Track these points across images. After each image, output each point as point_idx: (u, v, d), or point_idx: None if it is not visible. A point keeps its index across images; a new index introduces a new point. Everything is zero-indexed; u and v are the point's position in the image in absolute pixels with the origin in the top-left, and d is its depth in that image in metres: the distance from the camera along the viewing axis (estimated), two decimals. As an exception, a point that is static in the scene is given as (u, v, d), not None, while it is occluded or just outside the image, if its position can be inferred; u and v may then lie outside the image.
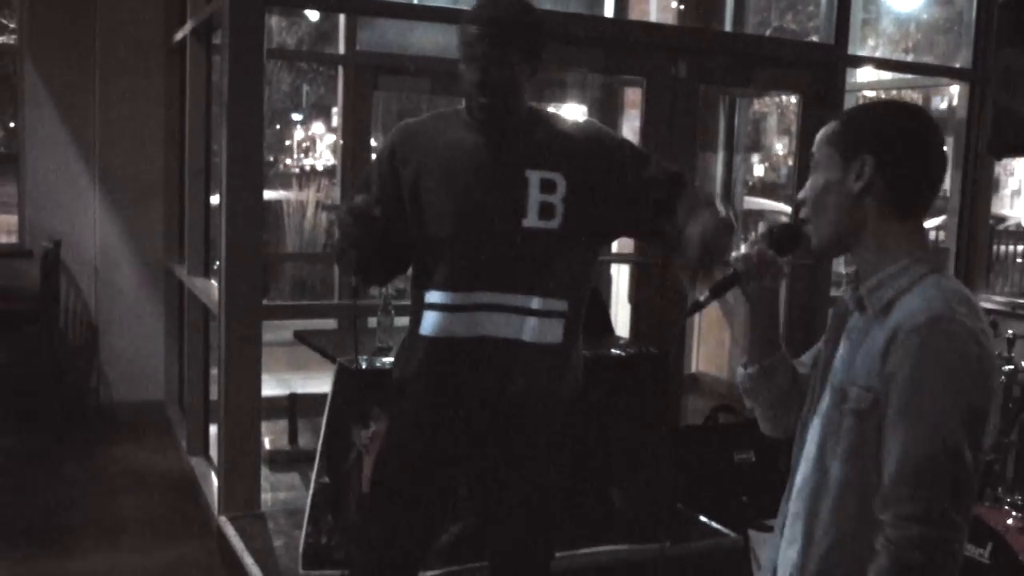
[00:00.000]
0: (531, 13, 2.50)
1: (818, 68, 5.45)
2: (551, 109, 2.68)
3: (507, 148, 2.46)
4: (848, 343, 1.85)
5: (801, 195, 1.88)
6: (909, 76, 7.16)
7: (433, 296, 2.46)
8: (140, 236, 6.31)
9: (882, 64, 6.99)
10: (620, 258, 7.25)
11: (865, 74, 6.78)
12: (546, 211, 2.42)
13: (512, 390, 2.45)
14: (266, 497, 4.40)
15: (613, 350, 4.18)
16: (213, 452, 4.99)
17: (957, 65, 6.06)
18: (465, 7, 4.81)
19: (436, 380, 2.52)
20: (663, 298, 5.10)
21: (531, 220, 2.41)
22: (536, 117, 2.52)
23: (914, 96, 20.41)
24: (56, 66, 6.20)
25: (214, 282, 4.99)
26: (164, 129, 6.19)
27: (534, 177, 2.42)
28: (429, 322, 2.47)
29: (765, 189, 17.80)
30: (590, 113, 7.48)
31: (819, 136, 1.86)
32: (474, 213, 2.43)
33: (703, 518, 4.23)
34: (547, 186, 2.42)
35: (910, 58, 15.73)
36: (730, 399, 6.53)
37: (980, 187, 5.99)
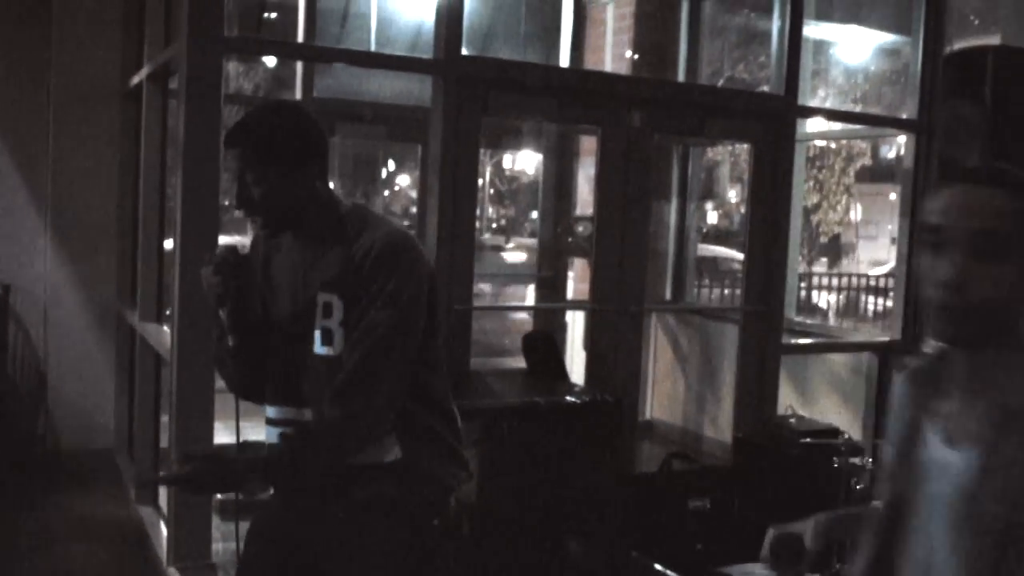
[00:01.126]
0: (273, 122, 2.27)
1: (769, 118, 5.56)
2: (371, 213, 2.37)
3: (304, 266, 2.31)
4: (981, 447, 1.52)
5: (964, 278, 1.50)
6: (858, 126, 7.31)
7: (267, 411, 2.40)
8: (91, 281, 6.24)
9: (831, 115, 7.14)
10: (574, 305, 7.30)
11: (815, 124, 6.91)
12: (327, 337, 2.25)
13: (333, 510, 2.33)
14: (216, 547, 4.33)
15: (568, 397, 4.19)
16: (163, 501, 4.91)
17: (904, 116, 6.20)
18: (423, 55, 4.88)
19: (276, 497, 2.46)
20: (618, 345, 5.13)
21: (317, 347, 2.26)
22: (339, 229, 2.28)
23: (863, 146, 20.82)
24: (9, 108, 6.15)
25: (166, 328, 4.94)
26: (118, 173, 6.15)
27: (321, 300, 2.25)
28: (265, 436, 2.41)
29: (719, 236, 18.01)
30: (546, 161, 7.54)
31: (992, 211, 1.50)
32: (277, 333, 2.35)
33: (658, 566, 4.22)
34: (327, 310, 2.24)
35: (858, 108, 16.04)
36: (684, 446, 6.56)
37: (927, 236, 6.08)
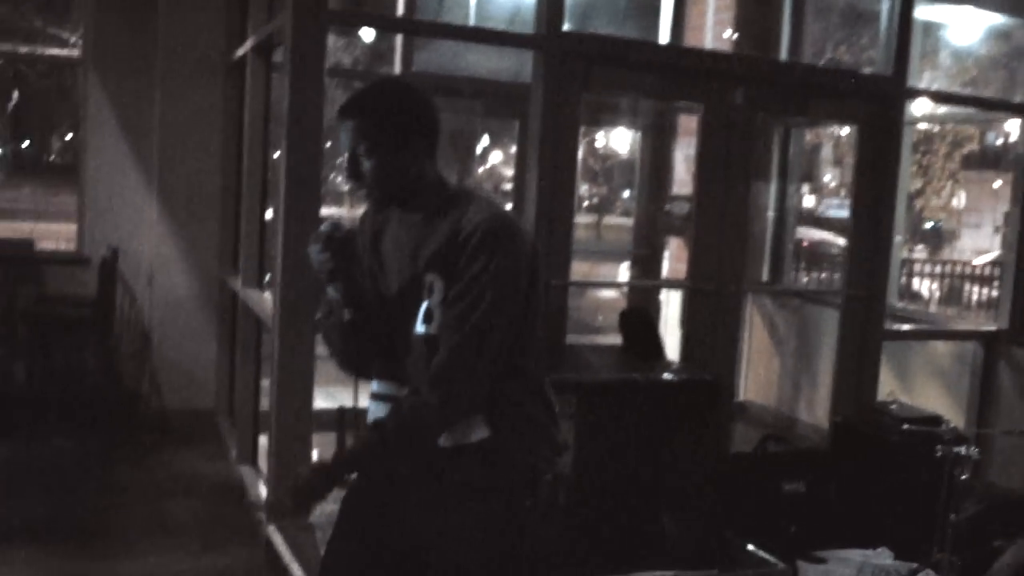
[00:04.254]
0: (389, 96, 2.30)
1: (876, 100, 5.42)
2: (478, 195, 2.34)
3: (412, 244, 2.31)
4: None
5: None
6: (966, 110, 7.09)
7: (372, 385, 2.41)
8: (195, 247, 6.40)
9: (942, 97, 6.92)
10: (672, 284, 7.24)
11: (920, 107, 6.73)
12: (428, 316, 2.26)
13: (422, 494, 2.35)
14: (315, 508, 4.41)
15: (665, 375, 4.17)
16: (262, 462, 5.03)
17: (1017, 100, 6.00)
18: (523, 30, 4.87)
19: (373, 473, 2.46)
20: (716, 325, 5.07)
21: (417, 325, 2.26)
22: (444, 208, 2.29)
23: (970, 131, 20.21)
24: (118, 79, 6.32)
25: (267, 295, 5.05)
26: (222, 143, 6.28)
27: (427, 279, 2.25)
28: (369, 410, 2.41)
29: (816, 219, 17.70)
30: (643, 139, 7.48)
31: None
32: (385, 310, 2.36)
33: (751, 547, 4.19)
34: (430, 289, 2.25)
35: (967, 92, 15.57)
36: (778, 429, 6.48)
37: (1039, 222, 5.89)
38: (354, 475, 2.29)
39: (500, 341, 2.22)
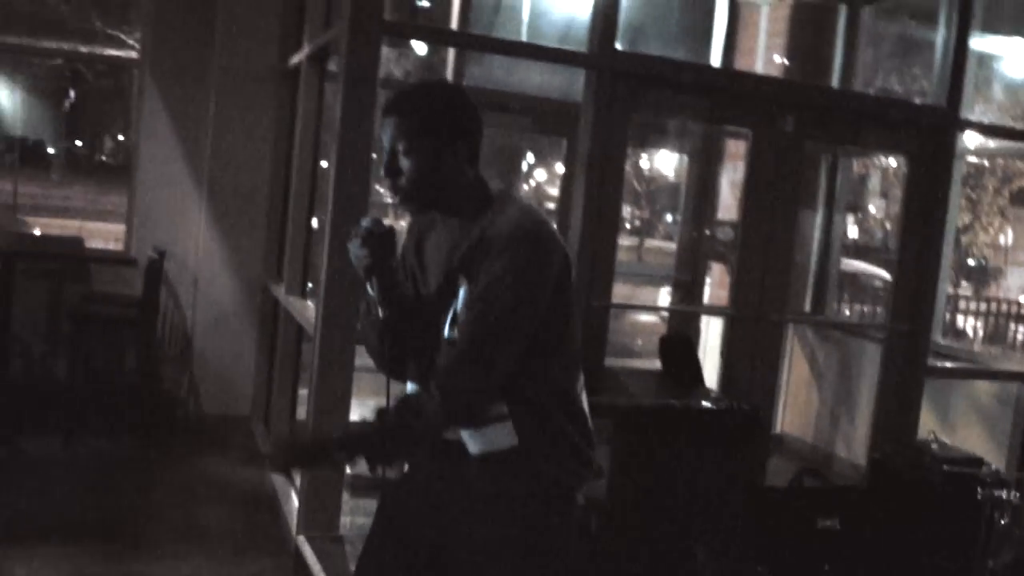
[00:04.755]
0: (433, 97, 2.29)
1: (928, 130, 5.36)
2: (515, 199, 2.31)
3: (449, 247, 2.30)
4: None
5: None
6: (1019, 144, 6.99)
7: (408, 388, 2.38)
8: (241, 253, 6.45)
9: (995, 131, 6.83)
10: (713, 310, 7.19)
11: (970, 139, 6.65)
12: (454, 319, 2.24)
13: (453, 504, 2.34)
14: (345, 520, 4.42)
15: (704, 403, 4.13)
16: (295, 472, 5.04)
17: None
18: (576, 47, 4.87)
19: (411, 472, 2.46)
20: (756, 354, 5.03)
21: (446, 330, 2.26)
22: (483, 212, 2.26)
23: (1020, 166, 19.92)
24: (173, 82, 6.40)
25: (310, 303, 5.07)
26: (272, 150, 6.33)
27: (459, 282, 2.24)
28: None
29: (859, 251, 17.52)
30: (690, 163, 7.45)
31: None
32: (424, 312, 2.33)
33: (783, 582, 4.14)
34: (459, 292, 2.24)
35: (1020, 126, 15.38)
36: (813, 463, 6.40)
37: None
38: (342, 454, 2.26)
39: (516, 345, 2.18)
